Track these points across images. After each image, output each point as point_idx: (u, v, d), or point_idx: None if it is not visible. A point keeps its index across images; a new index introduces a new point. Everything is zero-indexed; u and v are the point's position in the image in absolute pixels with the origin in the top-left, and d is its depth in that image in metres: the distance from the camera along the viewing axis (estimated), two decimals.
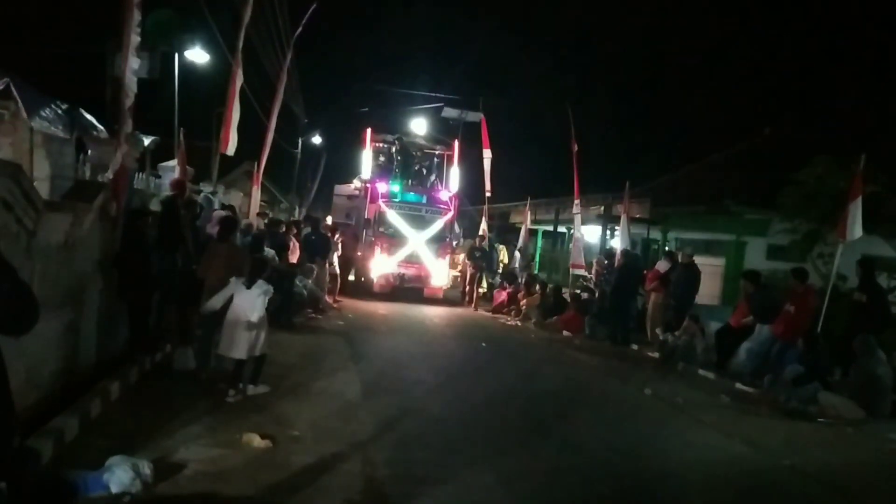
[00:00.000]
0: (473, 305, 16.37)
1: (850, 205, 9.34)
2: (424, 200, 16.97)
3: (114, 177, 6.94)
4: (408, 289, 16.36)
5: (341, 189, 21.33)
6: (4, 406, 2.10)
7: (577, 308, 13.91)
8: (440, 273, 16.67)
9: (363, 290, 16.39)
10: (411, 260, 16.31)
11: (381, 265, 16.12)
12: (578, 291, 15.16)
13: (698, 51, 38.69)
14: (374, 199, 16.63)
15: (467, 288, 17.14)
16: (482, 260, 16.85)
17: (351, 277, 17.04)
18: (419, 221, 16.44)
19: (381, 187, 16.80)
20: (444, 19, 60.70)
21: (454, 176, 18.32)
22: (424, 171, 19.10)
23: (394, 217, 16.29)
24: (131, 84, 7.02)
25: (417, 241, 16.28)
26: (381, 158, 19.02)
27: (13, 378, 2.13)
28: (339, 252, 15.22)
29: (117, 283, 7.05)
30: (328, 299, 13.72)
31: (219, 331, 6.99)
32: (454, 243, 17.93)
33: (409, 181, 18.00)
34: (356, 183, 19.22)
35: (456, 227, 18.05)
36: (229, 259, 7.08)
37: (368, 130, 18.40)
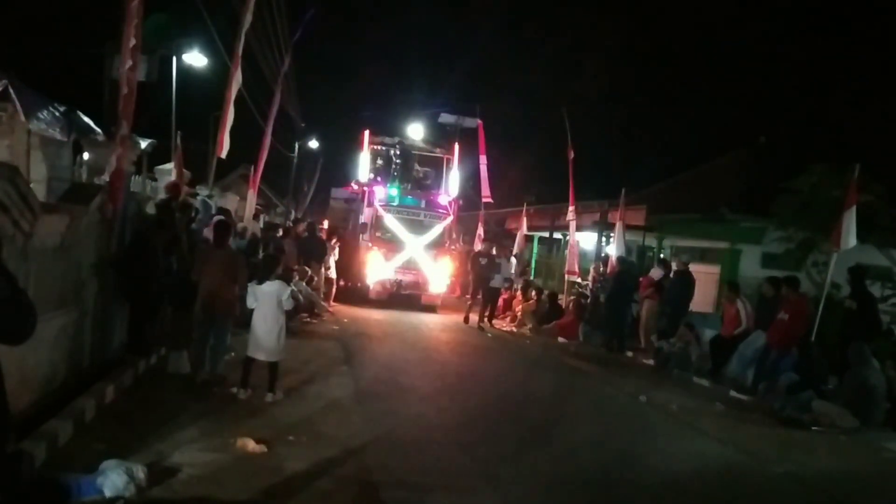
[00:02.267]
0: (469, 317, 14.40)
1: (845, 214, 9.38)
2: (423, 205, 16.49)
3: (110, 179, 6.94)
4: (405, 296, 15.83)
5: (338, 192, 21.19)
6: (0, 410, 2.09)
7: (578, 314, 13.91)
8: (439, 280, 16.14)
9: (359, 296, 15.85)
10: (409, 266, 15.81)
11: (377, 271, 15.64)
12: (577, 297, 15.15)
13: (695, 58, 38.90)
14: (371, 203, 16.17)
15: (469, 301, 15.07)
16: (489, 269, 14.71)
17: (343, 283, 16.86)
18: (417, 226, 15.97)
19: (379, 191, 16.37)
20: (440, 26, 60.85)
21: (454, 180, 17.83)
22: (424, 175, 18.69)
23: (391, 221, 15.84)
24: (130, 87, 7.03)
25: (415, 246, 15.80)
26: (379, 161, 18.66)
27: (6, 381, 2.13)
28: (336, 257, 15.10)
29: (121, 286, 7.08)
30: (324, 303, 13.67)
31: (214, 334, 7.04)
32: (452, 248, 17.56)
33: (408, 185, 17.52)
34: (353, 186, 19.00)
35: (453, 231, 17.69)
36: (224, 263, 7.07)
37: (366, 132, 17.92)
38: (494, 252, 15.45)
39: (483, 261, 14.80)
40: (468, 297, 15.38)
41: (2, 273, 2.02)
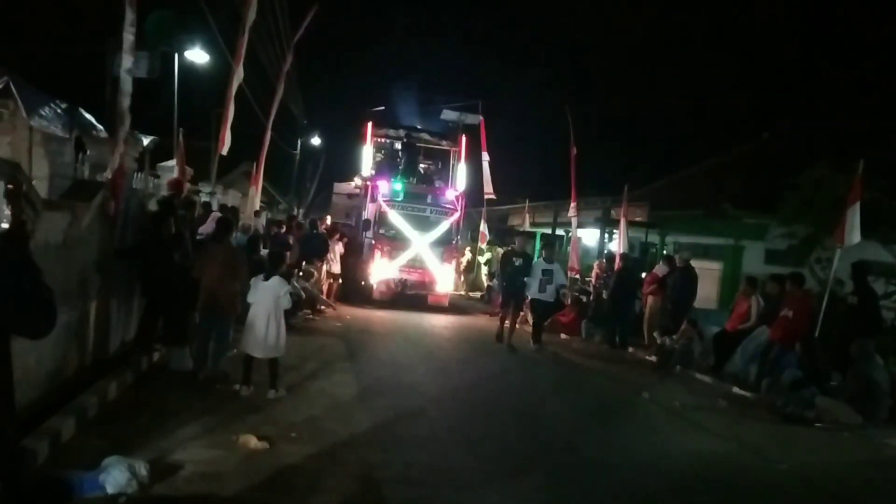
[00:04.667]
0: (502, 335, 11.64)
1: (849, 210, 9.34)
2: (429, 200, 15.96)
3: (112, 176, 6.95)
4: (410, 296, 15.31)
5: (340, 188, 20.88)
6: (5, 408, 2.09)
7: (579, 311, 13.87)
8: (445, 279, 15.66)
9: (362, 296, 15.35)
10: (414, 264, 15.30)
11: (381, 270, 15.13)
12: (577, 293, 15.11)
13: (698, 54, 38.81)
14: (374, 199, 15.59)
15: (498, 314, 12.43)
16: (522, 271, 11.59)
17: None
18: (423, 223, 15.47)
19: (383, 186, 15.67)
20: (444, 24, 60.80)
21: (461, 174, 17.20)
22: (429, 169, 18.23)
23: (395, 218, 15.33)
24: (126, 83, 7.03)
25: (421, 243, 15.29)
26: (383, 155, 18.14)
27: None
28: (342, 252, 14.88)
29: (140, 278, 7.08)
30: (325, 300, 13.63)
31: (215, 331, 7.05)
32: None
33: (413, 179, 16.95)
34: (356, 181, 18.54)
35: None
36: (225, 260, 7.07)
37: (369, 125, 17.31)
38: (543, 254, 12.47)
39: (517, 262, 11.67)
40: (496, 308, 13.06)
41: (28, 267, 2.00)
